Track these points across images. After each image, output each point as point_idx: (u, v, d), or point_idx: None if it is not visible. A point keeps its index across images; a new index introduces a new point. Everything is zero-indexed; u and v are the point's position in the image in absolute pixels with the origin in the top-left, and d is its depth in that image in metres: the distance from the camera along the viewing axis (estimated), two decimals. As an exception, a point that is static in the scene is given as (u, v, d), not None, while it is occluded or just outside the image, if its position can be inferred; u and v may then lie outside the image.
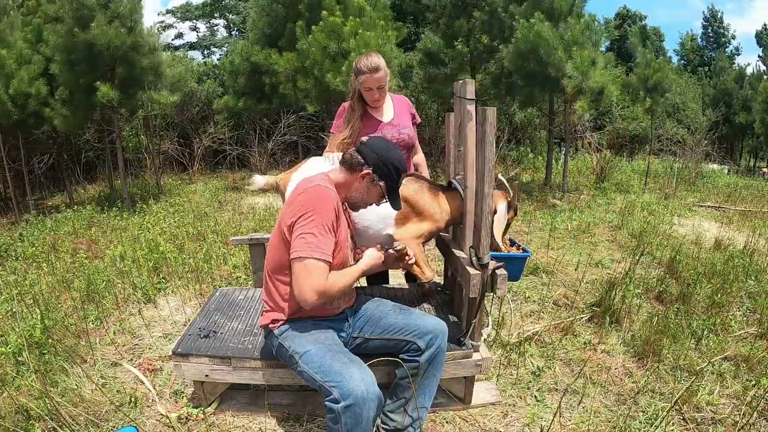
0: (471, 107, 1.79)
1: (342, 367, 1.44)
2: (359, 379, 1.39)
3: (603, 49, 7.61)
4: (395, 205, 1.75)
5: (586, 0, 7.11)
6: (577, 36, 6.47)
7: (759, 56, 25.90)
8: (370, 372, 1.45)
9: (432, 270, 2.07)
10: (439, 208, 2.00)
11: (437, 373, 1.70)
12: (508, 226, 2.14)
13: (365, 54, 2.12)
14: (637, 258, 3.59)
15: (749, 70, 15.09)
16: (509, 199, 2.11)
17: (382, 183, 1.64)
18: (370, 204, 1.72)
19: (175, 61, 8.32)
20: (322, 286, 1.46)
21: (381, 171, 1.63)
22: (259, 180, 2.22)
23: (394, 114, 2.28)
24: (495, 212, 2.01)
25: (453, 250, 2.03)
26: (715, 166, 11.17)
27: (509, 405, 2.03)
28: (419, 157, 2.45)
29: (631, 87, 8.17)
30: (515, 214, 2.14)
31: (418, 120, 2.43)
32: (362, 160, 1.63)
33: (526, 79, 7.03)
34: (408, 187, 1.99)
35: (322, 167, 2.04)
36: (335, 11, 6.69)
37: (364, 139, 1.73)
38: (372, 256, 1.70)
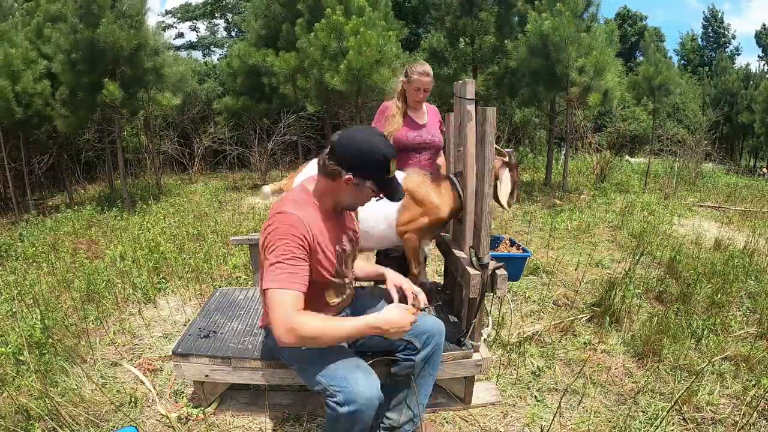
0: (471, 107, 1.79)
1: (347, 372, 1.43)
2: (364, 384, 1.38)
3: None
4: (394, 196, 1.57)
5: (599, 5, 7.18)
6: (596, 37, 6.53)
7: (759, 56, 25.94)
8: (374, 376, 1.44)
9: (421, 267, 2.10)
10: (441, 198, 2.03)
11: (433, 372, 1.70)
12: (515, 184, 2.26)
13: (418, 62, 2.42)
14: (637, 258, 3.59)
15: (752, 69, 15.14)
16: (506, 161, 2.19)
17: (368, 183, 1.46)
18: (366, 202, 1.59)
19: (177, 62, 8.33)
20: (291, 323, 1.31)
21: (364, 171, 1.44)
22: (266, 190, 2.32)
23: (428, 119, 2.52)
24: (498, 178, 2.15)
25: (453, 250, 2.03)
26: (711, 165, 11.21)
27: (509, 405, 2.03)
28: (441, 160, 2.61)
29: (637, 86, 8.21)
30: (517, 172, 2.28)
31: (444, 128, 2.60)
32: (337, 168, 1.43)
33: (531, 77, 7.06)
34: (411, 179, 2.03)
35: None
36: (337, 10, 6.70)
37: (335, 137, 1.48)
38: (385, 320, 1.42)
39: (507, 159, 2.20)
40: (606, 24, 7.26)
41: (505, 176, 2.16)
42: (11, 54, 5.91)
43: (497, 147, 2.25)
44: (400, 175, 2.04)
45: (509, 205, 2.23)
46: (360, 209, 1.95)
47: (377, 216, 2.01)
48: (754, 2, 59.87)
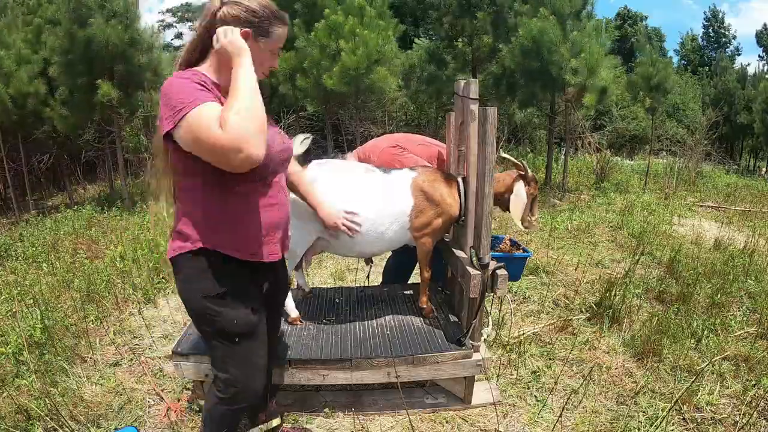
0: (475, 107, 1.79)
1: None
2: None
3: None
4: None
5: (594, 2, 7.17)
6: (585, 36, 6.51)
7: (759, 56, 25.95)
8: None
9: (429, 271, 2.07)
10: (453, 197, 1.97)
11: None
12: (534, 199, 2.16)
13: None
14: (637, 258, 3.59)
15: (751, 70, 15.14)
16: (523, 173, 2.11)
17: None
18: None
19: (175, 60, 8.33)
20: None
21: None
22: None
23: None
24: (512, 192, 2.07)
25: (453, 250, 2.03)
26: (711, 166, 11.23)
27: (509, 405, 2.03)
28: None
29: (634, 86, 8.21)
30: (536, 184, 2.17)
31: None
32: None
33: (528, 78, 7.06)
34: (423, 178, 1.96)
35: (324, 171, 2.01)
36: (336, 10, 6.70)
37: None
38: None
39: (523, 172, 2.11)
40: (596, 20, 7.21)
41: (520, 190, 2.06)
42: (2, 56, 5.93)
43: (512, 158, 2.19)
44: (409, 174, 1.98)
45: (528, 224, 2.13)
46: (369, 210, 1.91)
47: (389, 217, 1.94)
48: (752, 3, 59.96)
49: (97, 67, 6.02)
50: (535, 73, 6.79)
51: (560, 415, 1.82)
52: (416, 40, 9.92)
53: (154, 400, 2.08)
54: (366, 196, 1.92)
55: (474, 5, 8.23)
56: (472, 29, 8.35)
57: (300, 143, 2.05)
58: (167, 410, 1.97)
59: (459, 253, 1.97)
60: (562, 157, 8.66)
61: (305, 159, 2.08)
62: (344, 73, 6.55)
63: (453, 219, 1.99)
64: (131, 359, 2.44)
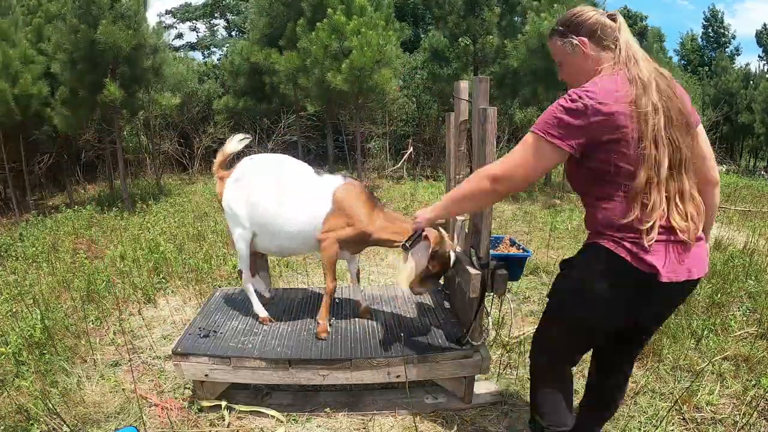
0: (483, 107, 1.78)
1: None
2: None
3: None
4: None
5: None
6: None
7: (759, 56, 25.93)
8: None
9: (334, 282, 2.03)
10: (369, 219, 1.95)
11: None
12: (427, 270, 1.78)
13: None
14: (637, 258, 3.59)
15: (751, 69, 15.14)
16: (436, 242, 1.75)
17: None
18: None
19: (176, 61, 8.32)
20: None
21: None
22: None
23: None
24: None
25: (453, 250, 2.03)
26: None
27: (509, 405, 2.03)
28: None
29: None
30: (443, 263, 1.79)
31: None
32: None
33: (531, 77, 7.07)
34: (347, 190, 1.98)
35: (250, 167, 2.05)
36: (338, 10, 6.71)
37: None
38: None
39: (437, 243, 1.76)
40: None
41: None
42: (10, 56, 5.91)
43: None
44: (336, 181, 2.00)
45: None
46: (288, 207, 1.96)
47: (304, 215, 1.97)
48: (747, 3, 59.93)
49: (101, 66, 6.01)
50: (539, 71, 6.81)
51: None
52: (425, 35, 9.89)
53: (153, 401, 2.08)
54: (289, 194, 1.97)
55: (479, 5, 8.23)
56: (476, 29, 8.35)
57: (238, 142, 2.12)
58: (167, 410, 1.97)
59: (458, 252, 1.97)
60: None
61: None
62: (351, 71, 6.56)
63: (361, 234, 1.95)
64: (131, 359, 2.45)
